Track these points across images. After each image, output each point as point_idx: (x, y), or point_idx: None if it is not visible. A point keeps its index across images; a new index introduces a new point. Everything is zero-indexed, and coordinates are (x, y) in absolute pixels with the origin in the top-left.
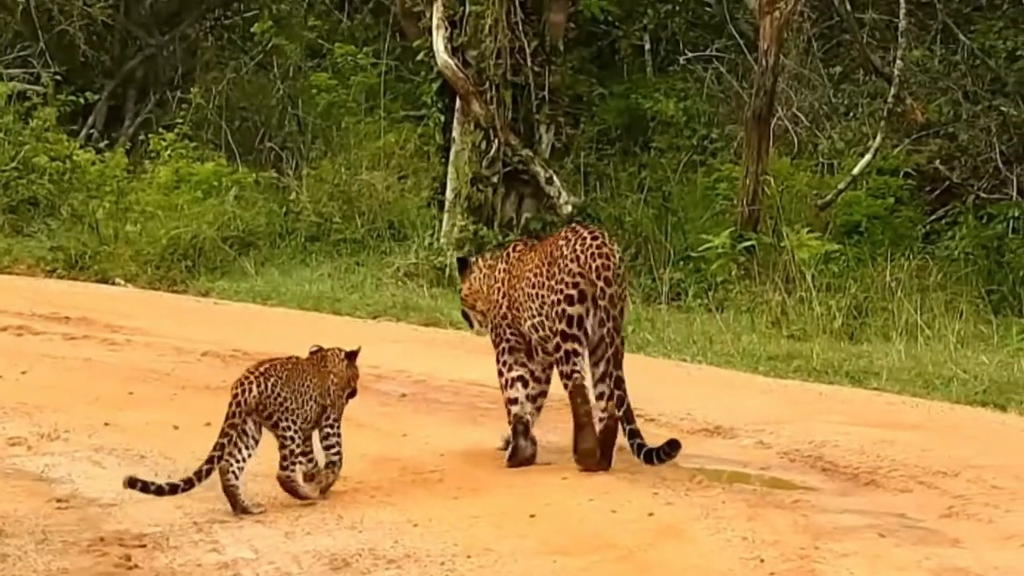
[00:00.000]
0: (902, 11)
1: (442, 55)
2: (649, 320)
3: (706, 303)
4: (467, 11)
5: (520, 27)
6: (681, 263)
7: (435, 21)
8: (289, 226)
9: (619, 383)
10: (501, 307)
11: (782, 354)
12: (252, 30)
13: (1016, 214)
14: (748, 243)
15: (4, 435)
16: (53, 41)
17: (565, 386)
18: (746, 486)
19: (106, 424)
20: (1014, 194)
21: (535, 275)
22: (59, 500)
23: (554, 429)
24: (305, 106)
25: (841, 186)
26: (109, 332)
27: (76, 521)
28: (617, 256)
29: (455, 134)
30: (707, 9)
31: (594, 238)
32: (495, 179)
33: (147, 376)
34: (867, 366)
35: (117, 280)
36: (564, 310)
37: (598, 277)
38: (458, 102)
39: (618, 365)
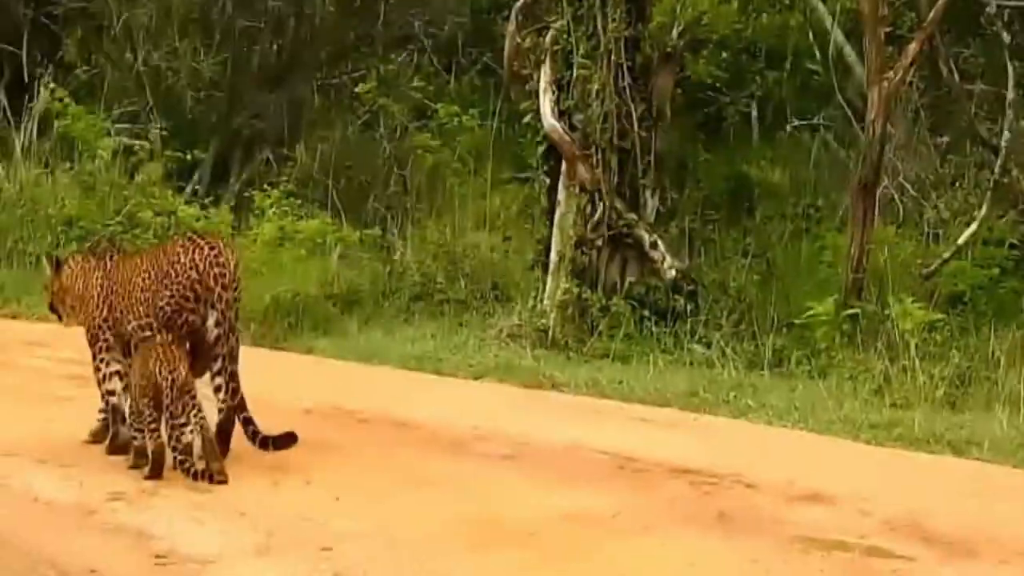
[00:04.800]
0: (1010, 82)
1: (549, 119)
2: (751, 386)
3: (809, 370)
4: (574, 75)
5: (627, 92)
6: (784, 329)
7: (542, 84)
8: (393, 285)
9: (233, 376)
10: (101, 310)
11: (884, 422)
12: (357, 90)
13: None
14: (852, 311)
15: (105, 490)
16: (161, 97)
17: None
18: (845, 554)
19: None
20: None
21: (145, 280)
22: (157, 556)
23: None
24: (411, 166)
25: (946, 256)
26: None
27: None
28: (232, 264)
29: (560, 197)
30: (815, 77)
31: (211, 248)
32: (599, 242)
33: None
34: (969, 436)
35: None
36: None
37: (215, 283)
38: (564, 165)
39: (233, 360)
